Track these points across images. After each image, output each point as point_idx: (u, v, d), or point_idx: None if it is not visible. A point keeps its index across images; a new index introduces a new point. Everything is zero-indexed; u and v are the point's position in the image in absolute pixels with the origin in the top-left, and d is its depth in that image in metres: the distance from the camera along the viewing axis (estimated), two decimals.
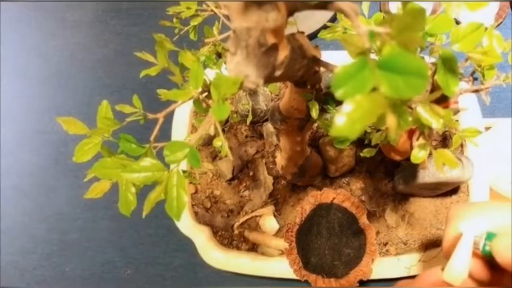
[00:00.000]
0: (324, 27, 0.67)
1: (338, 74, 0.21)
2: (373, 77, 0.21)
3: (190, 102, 0.34)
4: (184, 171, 0.30)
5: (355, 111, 0.20)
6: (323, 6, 0.25)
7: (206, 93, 0.33)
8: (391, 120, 0.21)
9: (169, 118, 0.69)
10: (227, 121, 0.74)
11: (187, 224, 0.67)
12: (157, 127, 0.31)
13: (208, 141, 0.73)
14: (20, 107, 0.88)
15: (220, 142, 0.32)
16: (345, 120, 0.20)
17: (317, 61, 0.34)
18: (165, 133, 0.67)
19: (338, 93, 0.21)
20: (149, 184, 0.30)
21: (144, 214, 0.29)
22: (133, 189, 0.31)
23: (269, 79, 0.30)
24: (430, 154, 0.38)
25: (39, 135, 0.86)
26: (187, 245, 0.68)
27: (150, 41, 0.91)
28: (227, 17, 0.47)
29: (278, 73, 0.30)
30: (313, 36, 0.79)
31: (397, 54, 0.21)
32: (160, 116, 0.31)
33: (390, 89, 0.20)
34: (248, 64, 0.27)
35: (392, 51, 0.21)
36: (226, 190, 0.71)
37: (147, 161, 0.29)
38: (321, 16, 0.79)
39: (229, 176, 0.70)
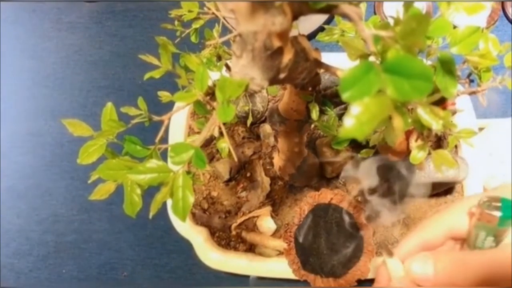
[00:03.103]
0: (320, 29, 0.68)
1: (345, 77, 0.22)
2: (379, 80, 0.21)
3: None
4: (188, 172, 0.30)
5: (363, 114, 0.20)
6: (327, 10, 0.26)
7: (209, 95, 0.33)
8: (398, 122, 0.21)
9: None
10: (224, 123, 0.74)
11: (184, 225, 0.67)
12: (163, 128, 0.32)
13: (205, 143, 0.73)
14: (15, 109, 0.88)
15: (225, 143, 0.32)
16: (354, 122, 0.20)
17: (319, 63, 0.35)
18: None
19: (345, 96, 0.21)
20: (152, 186, 0.31)
21: (150, 214, 0.29)
22: (138, 190, 0.32)
23: (273, 82, 0.30)
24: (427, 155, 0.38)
25: (34, 137, 0.86)
26: (185, 246, 0.68)
27: (146, 43, 0.92)
28: (227, 20, 0.47)
29: (282, 75, 0.30)
30: (308, 38, 0.79)
31: (402, 57, 0.22)
32: (165, 118, 0.31)
33: (396, 92, 0.21)
34: (254, 67, 0.28)
35: (397, 55, 0.22)
36: (223, 191, 0.72)
37: (153, 163, 0.30)
38: (317, 18, 0.80)
39: (227, 177, 0.71)
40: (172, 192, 0.29)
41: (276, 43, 0.27)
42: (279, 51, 0.28)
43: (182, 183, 0.29)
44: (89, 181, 0.34)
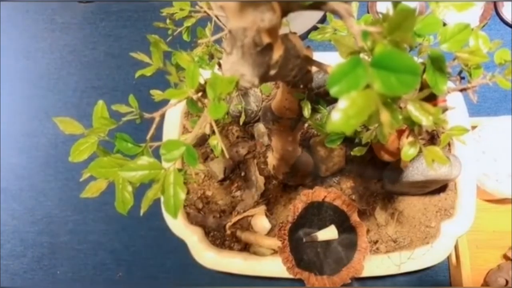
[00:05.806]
0: (314, 28, 0.68)
1: (333, 72, 0.22)
2: (367, 75, 0.22)
3: (182, 104, 0.35)
4: (180, 170, 0.30)
5: (350, 108, 0.21)
6: (317, 7, 0.26)
7: (201, 93, 0.33)
8: (384, 116, 0.21)
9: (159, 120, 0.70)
10: (217, 122, 0.74)
11: (179, 225, 0.67)
12: (154, 126, 0.32)
13: (199, 142, 0.73)
14: (9, 110, 0.88)
15: (216, 140, 0.32)
16: (341, 116, 0.20)
17: (309, 61, 0.35)
18: (156, 134, 0.67)
19: (333, 90, 0.22)
20: (143, 184, 0.31)
21: (142, 211, 0.29)
22: (129, 188, 0.32)
23: (264, 79, 0.30)
24: (419, 152, 0.39)
25: (28, 138, 0.85)
26: (179, 246, 0.68)
27: (140, 43, 0.92)
28: (219, 18, 0.47)
29: (272, 72, 0.30)
30: (302, 37, 0.80)
31: (389, 52, 0.22)
32: (157, 115, 0.31)
33: (383, 86, 0.21)
34: (244, 64, 0.28)
35: (384, 50, 0.22)
36: (218, 191, 0.72)
37: (144, 160, 0.30)
38: (310, 18, 0.80)
39: (221, 176, 0.71)
40: (164, 189, 0.29)
41: (266, 40, 0.27)
42: (269, 48, 0.28)
43: (174, 180, 0.29)
44: (81, 179, 0.34)
